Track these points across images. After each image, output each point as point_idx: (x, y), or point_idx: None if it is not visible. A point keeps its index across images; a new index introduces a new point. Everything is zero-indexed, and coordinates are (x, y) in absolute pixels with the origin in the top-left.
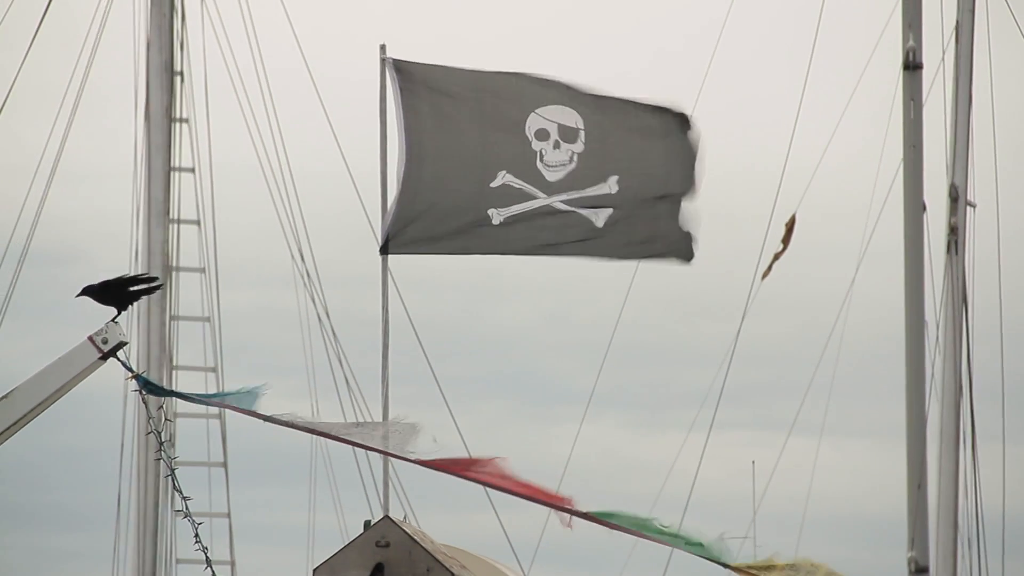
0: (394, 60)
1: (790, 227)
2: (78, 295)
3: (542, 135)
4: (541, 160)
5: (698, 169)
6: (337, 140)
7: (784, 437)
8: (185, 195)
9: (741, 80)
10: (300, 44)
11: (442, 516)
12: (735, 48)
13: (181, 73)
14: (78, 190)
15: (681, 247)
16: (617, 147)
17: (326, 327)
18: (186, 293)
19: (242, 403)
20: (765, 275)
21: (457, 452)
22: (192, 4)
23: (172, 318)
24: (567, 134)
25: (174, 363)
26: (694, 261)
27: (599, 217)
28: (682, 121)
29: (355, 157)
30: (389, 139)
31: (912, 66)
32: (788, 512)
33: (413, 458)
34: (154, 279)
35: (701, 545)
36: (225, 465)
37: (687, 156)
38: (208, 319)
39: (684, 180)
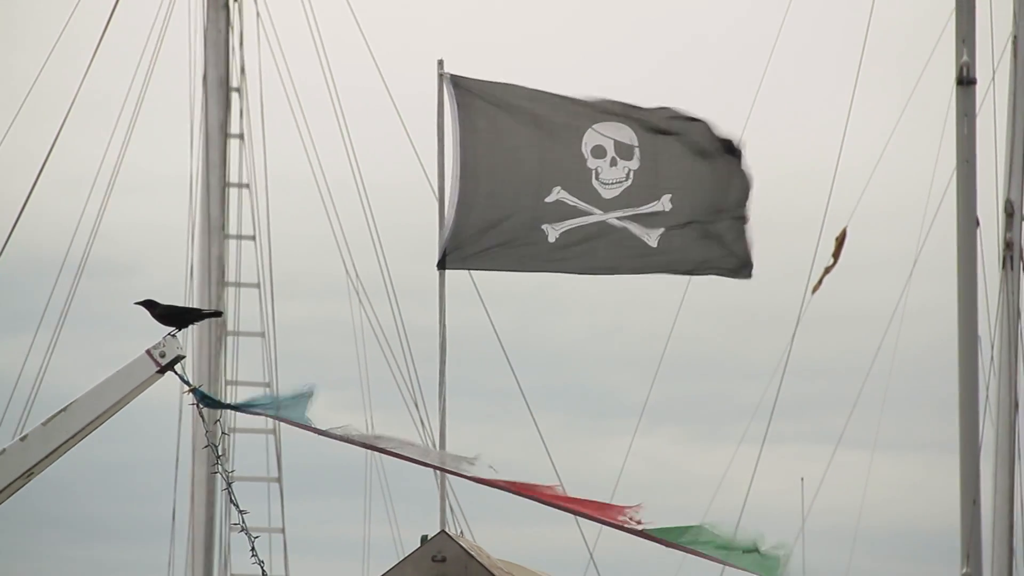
0: (452, 75)
1: (840, 241)
2: (139, 303)
3: (599, 152)
4: (597, 178)
5: (750, 190)
6: (417, 152)
7: (836, 451)
8: (241, 210)
9: (792, 91)
10: (362, 58)
11: (498, 530)
12: (786, 60)
13: (238, 89)
14: (135, 203)
15: (736, 267)
16: (670, 166)
17: (382, 340)
18: (241, 307)
19: (296, 408)
20: (815, 289)
21: (514, 475)
22: (249, 21)
23: (227, 333)
24: (623, 151)
25: (228, 378)
26: (752, 271)
27: (651, 237)
28: (730, 146)
29: (413, 170)
30: (445, 153)
31: (966, 81)
32: (841, 526)
33: (470, 475)
34: (218, 313)
35: (756, 552)
36: (280, 480)
37: (740, 177)
38: (263, 334)
39: (737, 201)
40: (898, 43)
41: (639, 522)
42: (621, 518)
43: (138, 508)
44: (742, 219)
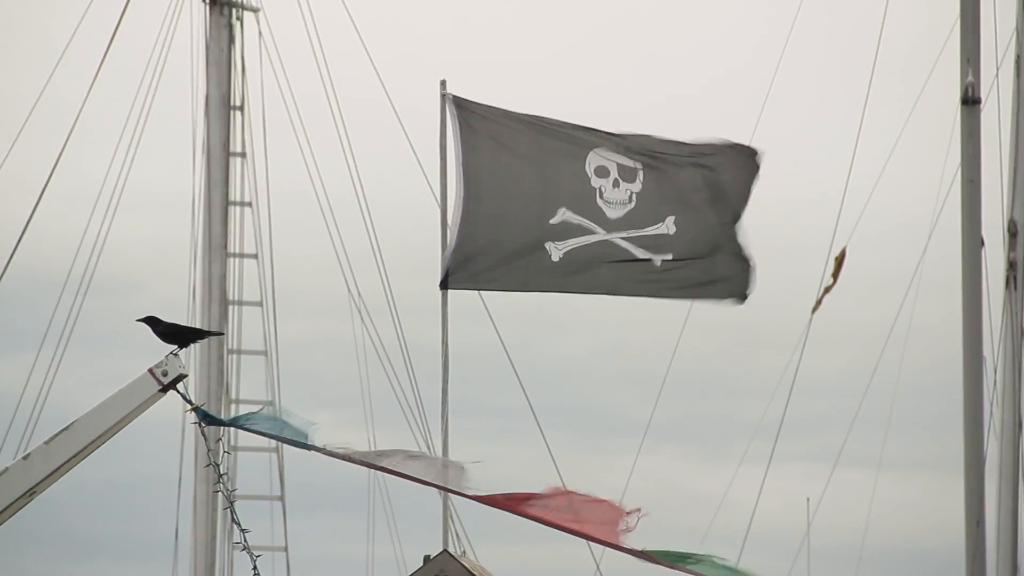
0: (454, 96)
1: (840, 261)
2: (141, 320)
3: (602, 172)
4: (600, 197)
5: (746, 204)
6: (424, 170)
7: (840, 470)
8: (242, 228)
9: (797, 113)
10: (365, 76)
11: (501, 550)
12: (791, 82)
13: (240, 107)
14: (138, 220)
15: (736, 289)
16: (673, 189)
17: (384, 359)
18: (244, 325)
19: (297, 429)
20: (815, 308)
21: (514, 487)
22: (251, 39)
23: (230, 352)
24: (626, 173)
25: (232, 396)
26: (751, 294)
27: (657, 258)
28: (746, 153)
29: (416, 188)
30: (448, 173)
31: (971, 101)
32: (845, 545)
33: (470, 493)
34: (220, 333)
35: None
36: (283, 499)
37: (741, 198)
38: (265, 353)
39: (735, 220)
40: (903, 64)
41: (641, 515)
42: (621, 524)
43: (141, 527)
44: (740, 249)
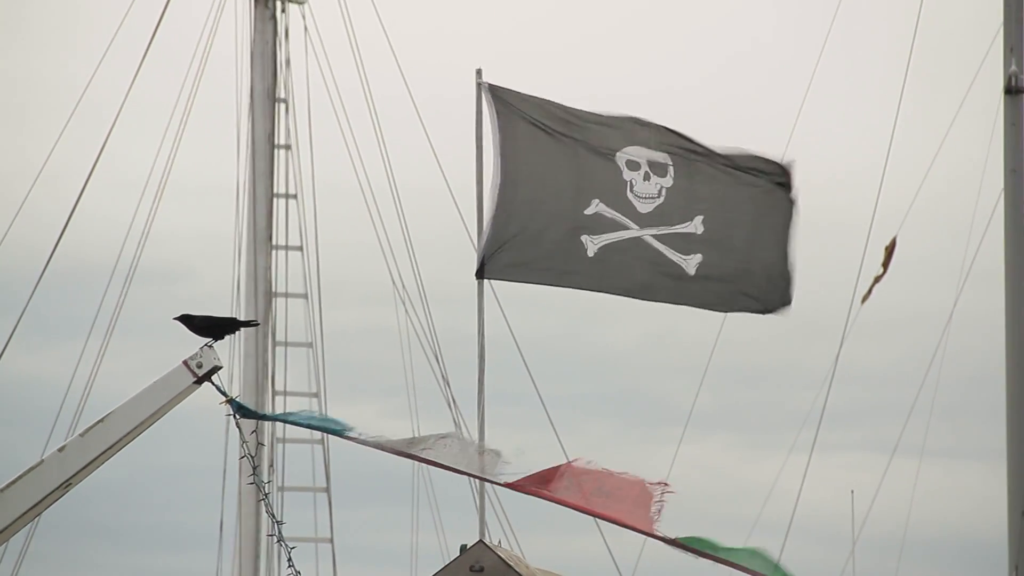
0: (490, 85)
1: (890, 251)
2: (176, 319)
3: (633, 165)
4: (631, 190)
5: (793, 223)
6: (437, 163)
7: (884, 459)
8: (288, 219)
9: (840, 99)
10: (405, 68)
11: (541, 539)
12: (834, 68)
13: (284, 100)
14: (184, 210)
15: (772, 301)
16: (703, 188)
17: (428, 349)
18: (289, 317)
19: (331, 424)
20: (865, 299)
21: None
22: (295, 32)
23: (275, 344)
24: (656, 168)
25: (276, 388)
26: (788, 307)
27: (690, 264)
28: (780, 172)
29: (454, 179)
30: (485, 162)
31: (1014, 90)
32: (889, 534)
33: (501, 480)
34: (254, 322)
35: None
36: (328, 491)
37: (781, 207)
38: (310, 344)
39: (777, 233)
40: (947, 51)
41: (667, 489)
42: (653, 507)
43: (189, 515)
44: (781, 251)
